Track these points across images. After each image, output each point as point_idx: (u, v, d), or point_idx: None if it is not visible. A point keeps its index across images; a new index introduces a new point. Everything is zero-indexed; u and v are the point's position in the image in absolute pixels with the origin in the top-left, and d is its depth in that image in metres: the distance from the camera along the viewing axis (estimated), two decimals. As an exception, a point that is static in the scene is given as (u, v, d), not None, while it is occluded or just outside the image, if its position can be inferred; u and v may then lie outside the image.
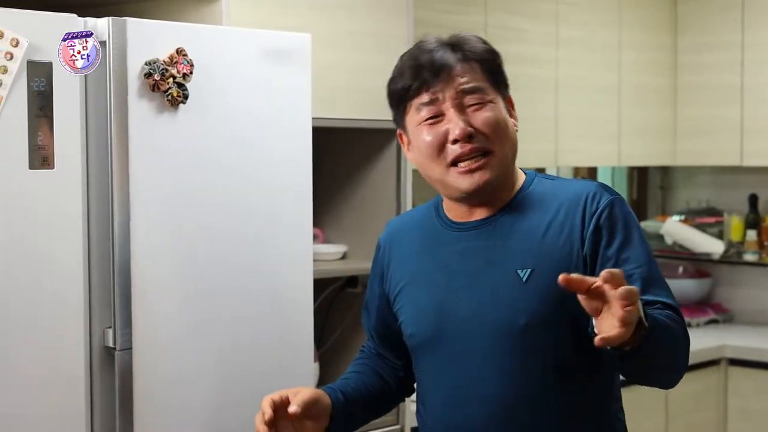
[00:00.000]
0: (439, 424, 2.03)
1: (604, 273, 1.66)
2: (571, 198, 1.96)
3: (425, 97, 1.96)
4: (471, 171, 1.94)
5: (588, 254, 1.92)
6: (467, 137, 1.93)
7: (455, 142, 1.94)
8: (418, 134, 1.98)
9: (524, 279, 1.93)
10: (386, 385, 2.18)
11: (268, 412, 1.93)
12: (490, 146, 1.95)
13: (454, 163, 1.95)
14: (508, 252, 1.96)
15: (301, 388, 2.01)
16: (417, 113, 1.97)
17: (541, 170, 3.61)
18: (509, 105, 2.04)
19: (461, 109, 1.95)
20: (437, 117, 1.96)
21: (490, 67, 2.00)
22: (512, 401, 1.94)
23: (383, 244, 2.16)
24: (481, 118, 1.94)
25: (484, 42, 2.03)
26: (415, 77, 1.96)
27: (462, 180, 1.95)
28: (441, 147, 1.96)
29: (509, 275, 1.94)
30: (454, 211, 2.05)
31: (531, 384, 1.94)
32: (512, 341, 1.93)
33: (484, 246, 1.99)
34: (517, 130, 2.02)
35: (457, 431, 1.99)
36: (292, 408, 1.94)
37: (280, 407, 1.95)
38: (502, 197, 2.01)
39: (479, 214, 2.01)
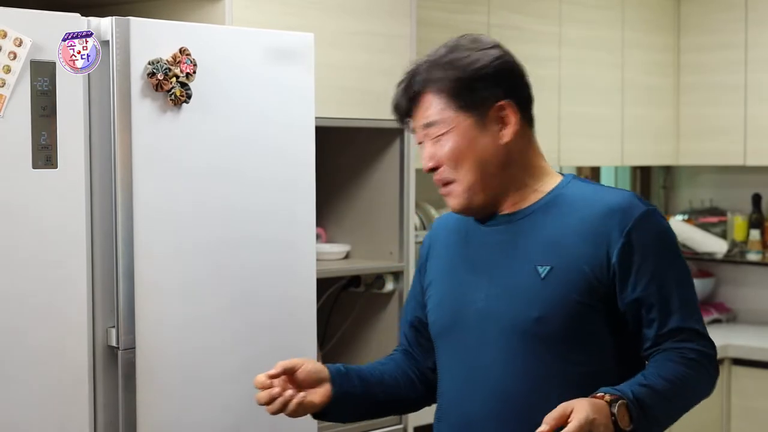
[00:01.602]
0: (452, 414, 2.05)
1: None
2: (605, 205, 1.96)
3: (409, 127, 2.06)
4: (445, 196, 2.04)
5: (616, 264, 1.92)
6: (431, 170, 2.01)
7: None
8: None
9: (542, 275, 1.95)
10: (407, 378, 2.17)
11: (266, 379, 2.01)
12: (452, 176, 2.00)
13: None
14: (530, 247, 1.98)
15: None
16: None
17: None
18: (495, 118, 1.99)
19: (429, 140, 2.01)
20: (421, 143, 2.04)
21: (454, 92, 1.98)
22: (520, 396, 1.95)
23: (426, 240, 2.22)
24: (439, 151, 1.99)
25: (467, 57, 1.99)
26: (394, 112, 2.05)
27: (446, 201, 2.05)
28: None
29: (528, 270, 1.96)
30: None
31: (539, 380, 1.95)
32: (524, 336, 1.95)
33: (508, 240, 2.01)
34: (507, 141, 1.99)
35: (468, 422, 2.01)
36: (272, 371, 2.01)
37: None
38: (528, 196, 2.02)
39: (506, 209, 2.03)
